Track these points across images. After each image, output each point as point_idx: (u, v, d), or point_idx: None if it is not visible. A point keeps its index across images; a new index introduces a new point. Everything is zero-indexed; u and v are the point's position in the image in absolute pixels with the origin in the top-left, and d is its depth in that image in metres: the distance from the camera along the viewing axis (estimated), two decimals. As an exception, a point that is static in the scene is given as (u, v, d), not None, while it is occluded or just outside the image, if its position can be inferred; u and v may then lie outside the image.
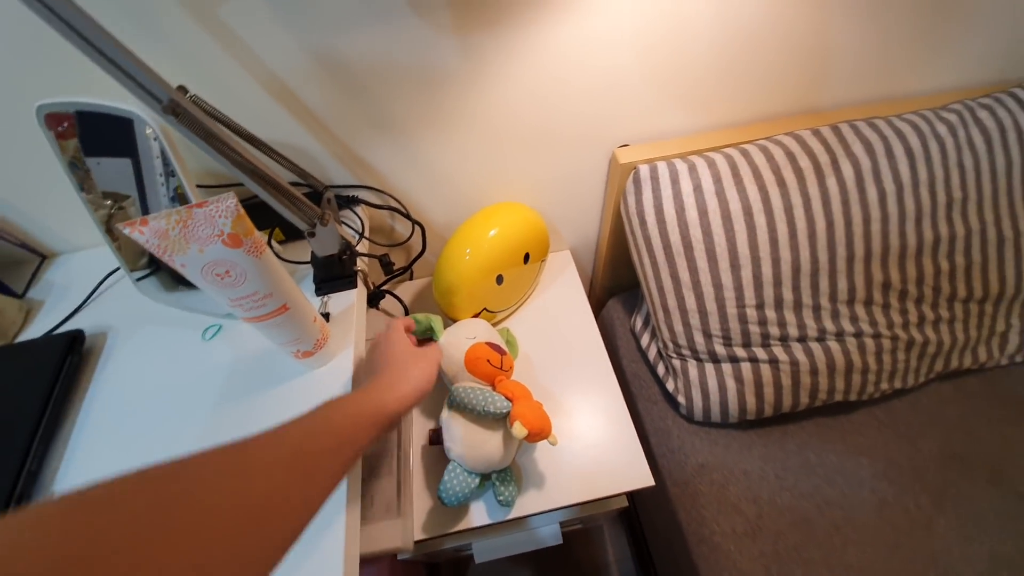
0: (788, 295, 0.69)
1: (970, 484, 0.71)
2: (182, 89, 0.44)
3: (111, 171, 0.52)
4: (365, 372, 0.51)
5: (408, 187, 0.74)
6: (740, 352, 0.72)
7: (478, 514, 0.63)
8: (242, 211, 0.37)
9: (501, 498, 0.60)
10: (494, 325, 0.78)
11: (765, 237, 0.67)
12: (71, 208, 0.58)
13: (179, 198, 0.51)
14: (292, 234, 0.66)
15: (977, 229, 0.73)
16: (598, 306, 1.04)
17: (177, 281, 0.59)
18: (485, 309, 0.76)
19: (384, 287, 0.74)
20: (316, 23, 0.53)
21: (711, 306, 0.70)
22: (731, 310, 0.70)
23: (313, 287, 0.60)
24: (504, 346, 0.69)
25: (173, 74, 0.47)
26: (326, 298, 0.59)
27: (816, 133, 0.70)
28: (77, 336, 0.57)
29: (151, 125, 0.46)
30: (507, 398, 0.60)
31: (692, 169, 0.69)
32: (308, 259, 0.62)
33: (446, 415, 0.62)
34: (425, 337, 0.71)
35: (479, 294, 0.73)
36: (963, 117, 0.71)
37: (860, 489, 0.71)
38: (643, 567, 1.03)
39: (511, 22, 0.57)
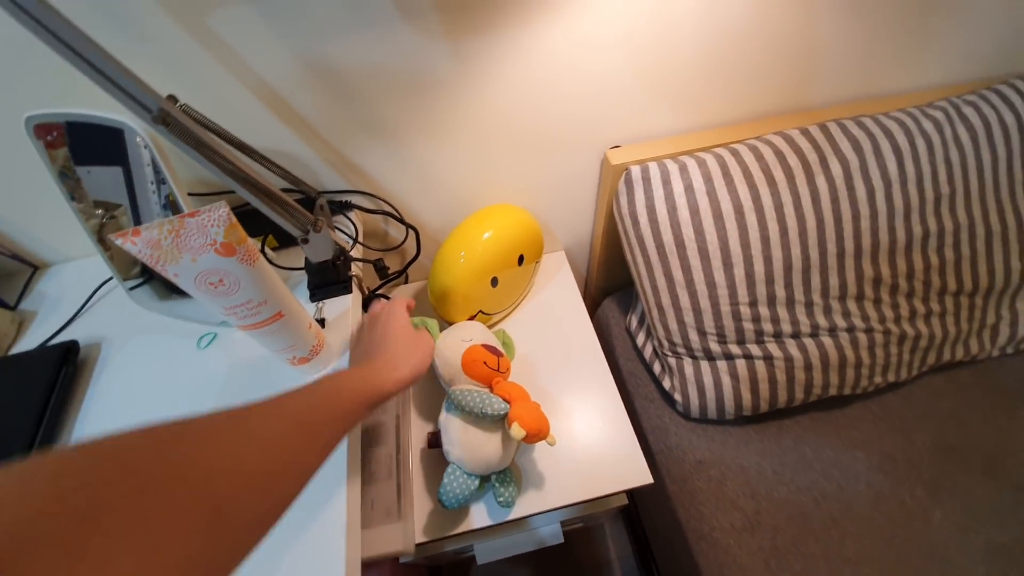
0: (781, 292, 0.70)
1: (965, 475, 0.72)
2: (172, 98, 0.44)
3: (102, 180, 0.52)
4: (364, 345, 0.49)
5: (401, 191, 0.74)
6: (735, 349, 0.73)
7: (479, 516, 0.63)
8: (234, 220, 0.37)
9: (501, 499, 0.60)
10: (490, 327, 0.78)
11: (756, 235, 0.68)
12: (62, 218, 0.58)
13: (171, 205, 0.51)
14: (286, 240, 0.66)
15: (965, 224, 0.74)
16: (593, 306, 1.04)
17: (171, 290, 0.58)
18: (481, 311, 0.76)
19: (379, 291, 0.74)
20: (306, 30, 0.53)
21: (705, 304, 0.71)
22: (725, 308, 0.71)
23: (308, 293, 0.60)
24: (500, 348, 0.69)
25: (163, 83, 0.47)
26: (321, 304, 0.59)
27: (805, 132, 0.71)
28: (71, 347, 0.57)
29: (141, 135, 0.46)
30: (505, 399, 0.60)
31: (683, 169, 0.69)
32: (302, 265, 0.62)
33: (444, 418, 0.62)
34: (421, 341, 0.71)
35: (474, 297, 0.73)
36: (949, 114, 0.72)
37: (856, 482, 0.72)
38: (644, 564, 1.04)
39: (501, 26, 0.57)
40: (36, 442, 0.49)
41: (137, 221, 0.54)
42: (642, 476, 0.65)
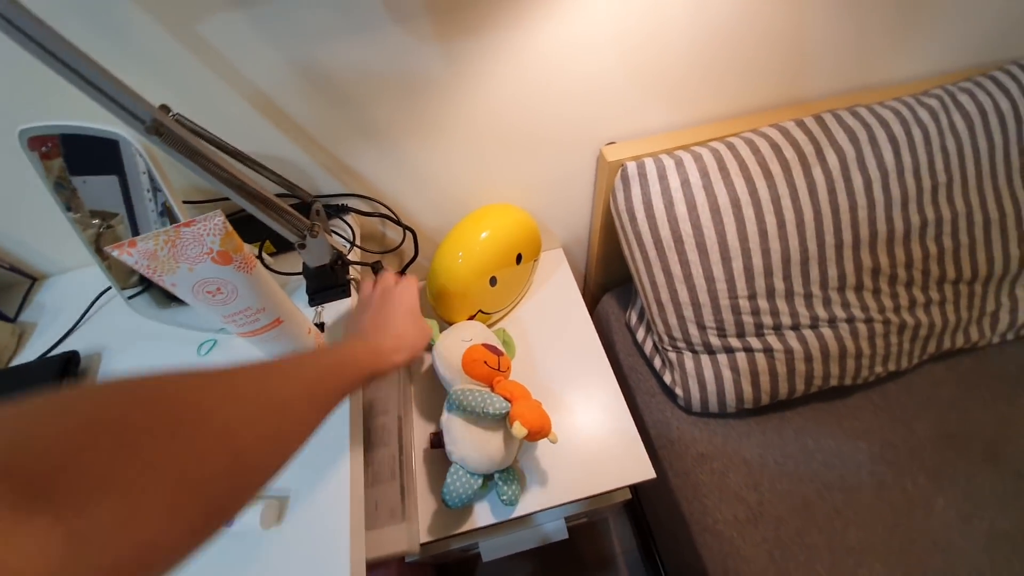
0: (779, 284, 0.70)
1: (967, 463, 0.72)
2: (164, 108, 0.44)
3: (98, 189, 0.52)
4: (373, 313, 0.49)
5: (397, 193, 0.74)
6: (735, 342, 0.73)
7: (483, 514, 0.63)
8: (230, 228, 0.37)
9: (504, 497, 0.60)
10: (490, 326, 0.78)
11: (754, 229, 0.68)
12: (59, 229, 0.58)
13: (167, 213, 0.51)
14: (283, 246, 0.66)
15: (963, 212, 0.74)
16: (593, 302, 1.04)
17: (170, 298, 0.59)
18: (480, 311, 0.76)
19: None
20: (297, 36, 0.53)
21: (704, 298, 0.71)
22: (724, 301, 0.71)
23: (307, 298, 0.60)
24: (501, 347, 0.69)
25: (155, 93, 0.47)
26: (320, 308, 0.60)
27: (800, 124, 0.70)
28: (72, 357, 0.57)
29: (135, 145, 0.46)
30: (506, 398, 0.60)
31: (679, 164, 0.69)
32: (300, 270, 0.62)
33: (446, 418, 0.62)
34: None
35: (473, 296, 0.73)
36: (944, 102, 0.72)
37: (858, 472, 0.72)
38: (649, 558, 1.04)
39: (491, 27, 0.57)
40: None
41: (134, 230, 0.54)
42: (645, 471, 0.65)
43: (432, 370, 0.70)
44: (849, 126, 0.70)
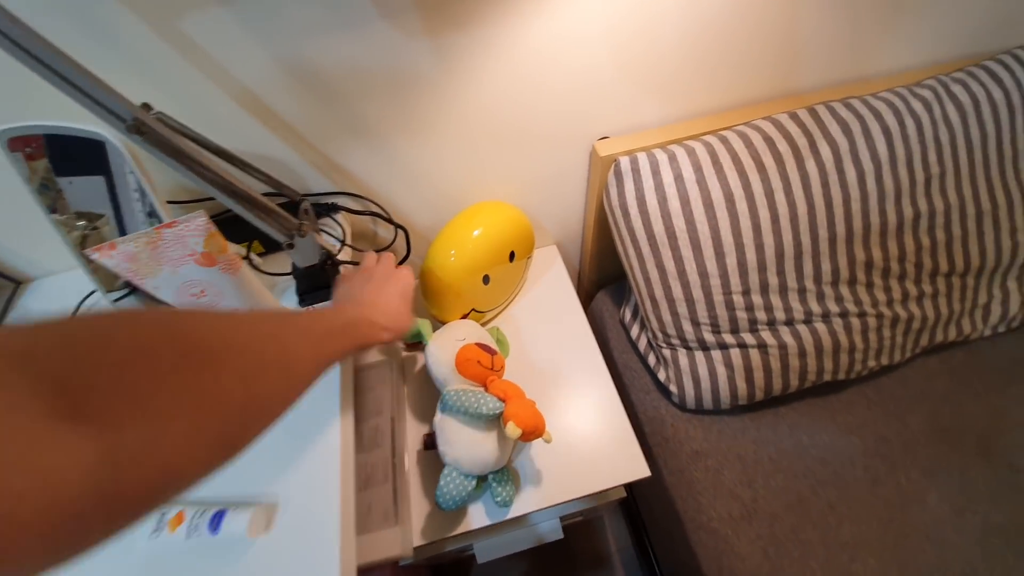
0: (773, 279, 0.70)
1: (960, 456, 0.72)
2: (146, 107, 0.43)
3: (84, 190, 0.51)
4: (376, 287, 0.51)
5: (389, 191, 0.73)
6: (729, 338, 0.73)
7: (477, 516, 0.63)
8: (213, 229, 0.36)
9: (499, 499, 0.60)
10: (483, 325, 0.78)
11: (748, 223, 0.67)
12: (43, 231, 0.57)
13: (156, 213, 0.50)
14: (272, 246, 0.65)
15: (956, 204, 0.74)
16: (587, 299, 1.04)
17: (156, 301, 0.58)
18: (473, 310, 0.75)
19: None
20: (283, 32, 0.52)
21: (698, 294, 0.71)
22: (718, 297, 0.70)
23: (297, 298, 0.59)
24: (494, 346, 0.69)
25: (138, 91, 0.46)
26: (310, 308, 0.59)
27: (793, 116, 0.70)
28: (57, 362, 0.56)
29: (116, 144, 0.45)
30: (499, 398, 0.60)
31: (672, 159, 0.68)
32: (290, 271, 0.61)
33: (439, 419, 0.62)
34: (414, 341, 0.70)
35: (466, 295, 0.73)
36: (937, 93, 0.72)
37: (852, 467, 0.72)
38: (644, 555, 1.04)
39: (480, 22, 0.56)
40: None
41: (121, 230, 0.53)
42: (640, 469, 0.65)
43: (425, 370, 0.69)
44: (842, 118, 0.69)
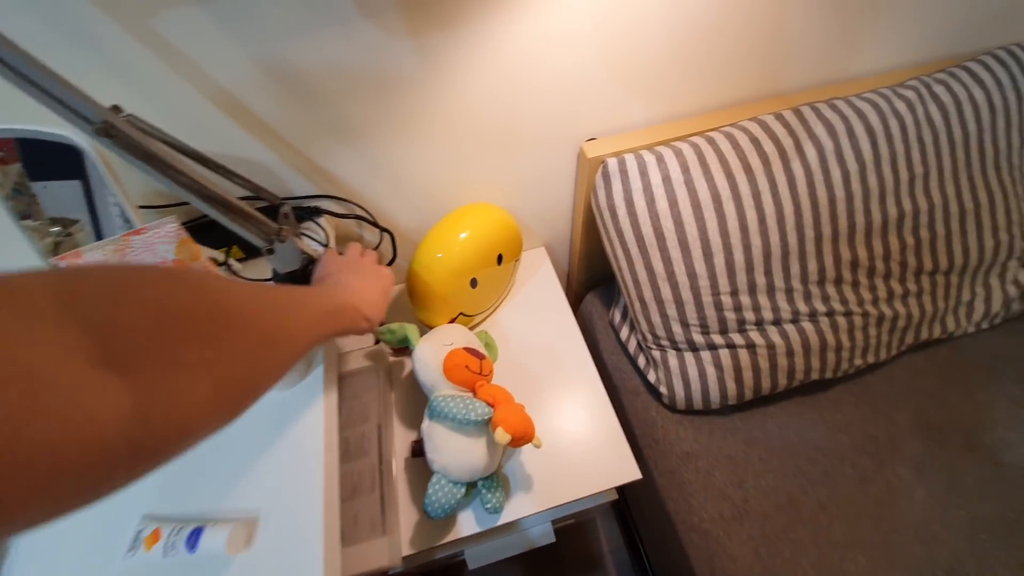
0: (761, 280, 0.70)
1: (946, 452, 0.73)
2: (116, 109, 0.41)
3: (59, 195, 0.49)
4: (358, 281, 0.51)
5: (373, 194, 0.72)
6: (718, 339, 0.72)
7: (467, 523, 0.62)
8: (185, 235, 0.35)
9: (489, 506, 0.59)
10: (472, 328, 0.77)
11: (735, 224, 0.67)
12: (14, 237, 0.55)
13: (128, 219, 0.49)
14: (252, 251, 0.64)
15: (939, 203, 0.74)
16: (576, 301, 1.03)
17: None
18: (461, 314, 0.74)
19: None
20: (261, 31, 0.51)
21: (686, 295, 0.70)
22: (706, 298, 0.70)
23: (278, 305, 0.57)
24: (483, 350, 0.68)
25: (110, 93, 0.45)
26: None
27: (779, 117, 0.70)
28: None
29: (84, 148, 0.43)
30: (488, 403, 0.59)
31: (660, 160, 0.68)
32: (271, 276, 0.59)
33: (427, 425, 0.61)
34: (401, 346, 0.69)
35: (453, 299, 0.72)
36: (920, 93, 0.72)
37: (841, 465, 0.72)
38: (637, 557, 1.04)
39: (465, 21, 0.55)
40: None
41: (98, 236, 0.51)
42: (631, 472, 0.65)
43: (413, 376, 0.68)
44: (827, 119, 0.70)
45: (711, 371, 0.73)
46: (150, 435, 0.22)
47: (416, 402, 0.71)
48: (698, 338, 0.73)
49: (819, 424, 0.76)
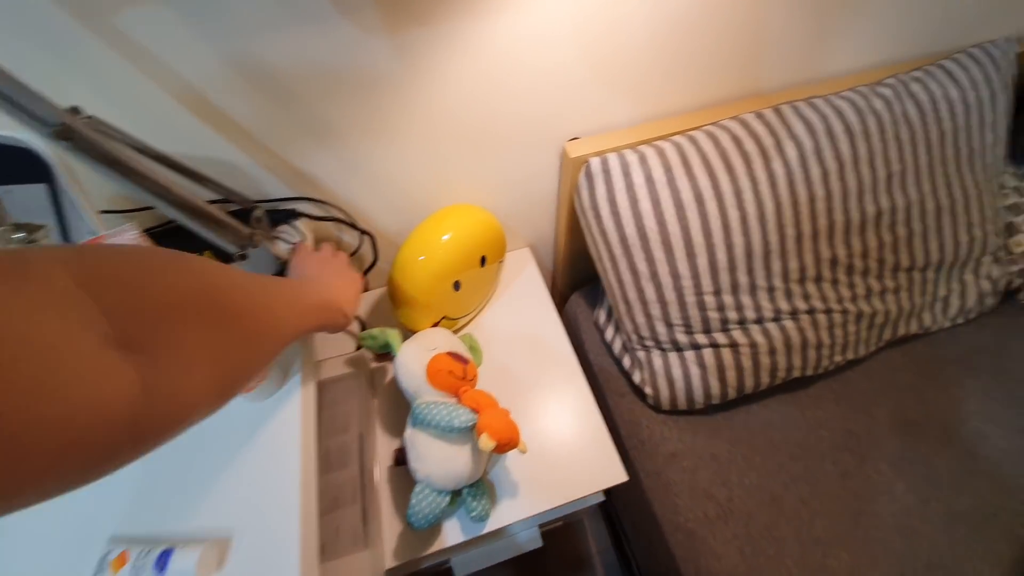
0: (743, 279, 0.70)
1: (924, 446, 0.74)
2: (75, 110, 0.39)
3: (24, 199, 0.47)
4: (336, 281, 0.52)
5: (353, 196, 0.70)
6: (701, 339, 0.73)
7: (452, 532, 0.61)
8: (146, 242, 0.33)
9: (474, 514, 0.58)
10: (456, 332, 0.76)
11: (718, 223, 0.67)
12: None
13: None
14: (226, 256, 0.61)
15: (916, 200, 0.75)
16: (561, 301, 1.03)
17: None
18: (445, 317, 0.73)
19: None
20: (232, 29, 0.49)
21: (670, 296, 0.70)
22: (689, 298, 0.70)
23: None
24: (467, 353, 0.67)
25: (71, 95, 0.43)
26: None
27: (759, 116, 0.70)
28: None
29: (40, 151, 0.41)
30: (472, 409, 0.58)
31: (643, 160, 0.68)
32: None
33: (410, 433, 0.59)
34: (383, 352, 0.68)
35: (436, 302, 0.70)
36: (897, 91, 0.73)
37: (823, 462, 0.73)
38: (625, 557, 1.04)
39: (443, 19, 0.54)
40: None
41: (66, 240, 0.49)
42: (617, 474, 0.64)
43: (395, 382, 0.67)
44: (806, 117, 0.70)
45: (695, 371, 0.73)
46: (153, 416, 0.22)
47: (399, 409, 0.70)
48: (682, 338, 0.73)
49: (801, 421, 0.77)
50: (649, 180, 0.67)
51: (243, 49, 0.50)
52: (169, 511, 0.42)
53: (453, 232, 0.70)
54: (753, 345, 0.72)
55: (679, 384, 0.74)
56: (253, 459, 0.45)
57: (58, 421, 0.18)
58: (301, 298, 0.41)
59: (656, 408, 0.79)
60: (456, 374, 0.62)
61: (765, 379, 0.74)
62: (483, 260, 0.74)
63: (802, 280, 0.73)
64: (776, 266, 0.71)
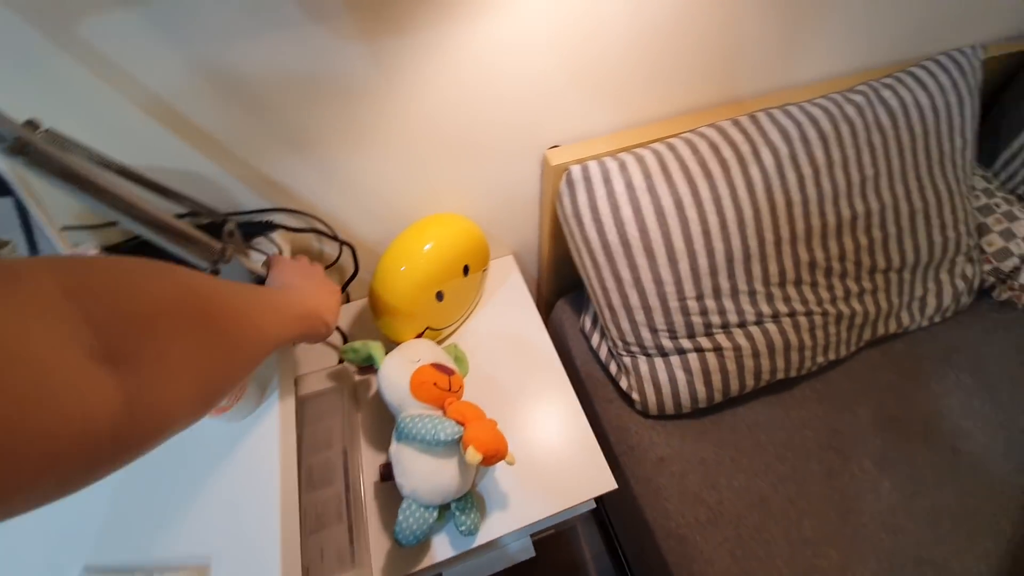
0: (725, 283, 0.70)
1: (907, 443, 0.75)
2: (31, 124, 0.37)
3: (-10, 215, 0.45)
4: (317, 292, 0.51)
5: (331, 206, 0.69)
6: (686, 343, 0.73)
7: (441, 548, 0.59)
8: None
9: (463, 528, 0.57)
10: (440, 342, 0.75)
11: (698, 229, 0.68)
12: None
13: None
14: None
15: (890, 203, 0.77)
16: (547, 309, 1.02)
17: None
18: (428, 328, 0.72)
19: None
20: (200, 37, 0.47)
21: (654, 302, 0.70)
22: (673, 303, 0.70)
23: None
24: (452, 364, 0.66)
25: (31, 107, 0.41)
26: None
27: (736, 123, 0.71)
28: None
29: (-2, 167, 0.39)
30: (458, 422, 0.57)
31: (623, 167, 0.68)
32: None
33: (395, 448, 0.58)
34: (366, 365, 0.66)
35: (419, 313, 0.69)
36: (869, 98, 0.75)
37: (808, 461, 0.73)
38: (619, 562, 1.04)
39: (419, 26, 0.53)
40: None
41: (34, 255, 0.47)
42: (606, 482, 0.64)
43: (379, 396, 0.65)
44: (781, 124, 0.71)
45: (681, 375, 0.73)
46: (135, 429, 0.22)
47: (385, 423, 0.68)
48: (667, 343, 0.73)
49: (786, 422, 0.78)
50: (630, 187, 0.67)
51: (213, 57, 0.49)
52: (144, 537, 0.40)
53: (435, 242, 0.69)
54: (737, 348, 0.72)
55: (665, 389, 0.74)
56: (231, 481, 0.44)
57: (43, 433, 0.18)
58: (283, 307, 0.41)
59: (644, 413, 0.78)
60: (441, 386, 0.60)
61: (750, 381, 0.75)
62: (466, 269, 0.73)
63: (782, 283, 0.73)
64: (756, 270, 0.71)
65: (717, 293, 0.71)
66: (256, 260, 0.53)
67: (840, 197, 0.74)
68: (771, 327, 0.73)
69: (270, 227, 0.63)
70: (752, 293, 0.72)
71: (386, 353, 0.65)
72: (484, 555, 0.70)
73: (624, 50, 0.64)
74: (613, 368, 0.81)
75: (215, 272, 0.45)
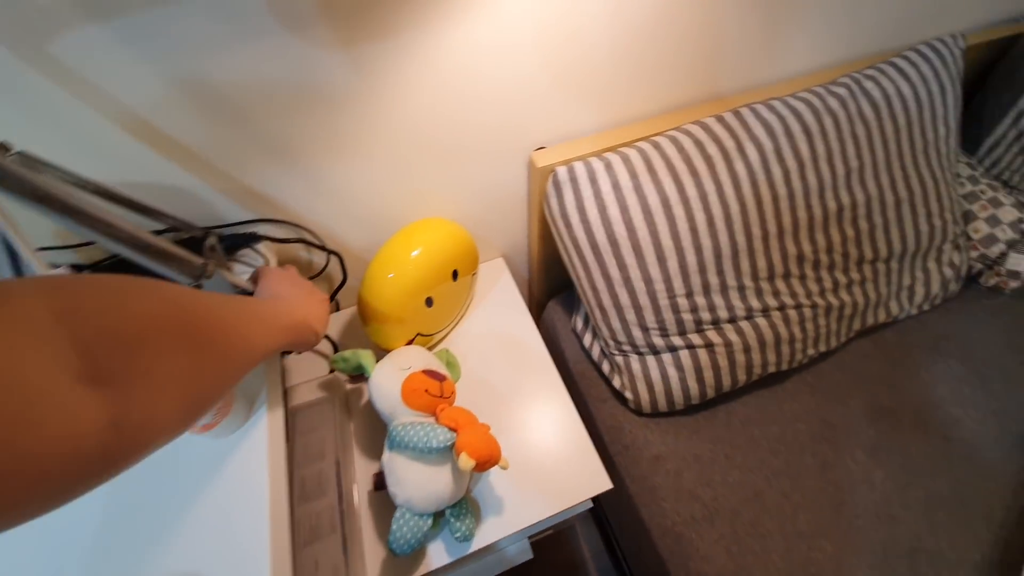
0: (714, 280, 0.70)
1: (899, 433, 0.76)
2: (2, 147, 0.37)
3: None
4: (306, 301, 0.51)
5: (317, 215, 0.69)
6: (677, 341, 0.73)
7: (437, 555, 0.59)
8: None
9: (458, 534, 0.57)
10: (431, 348, 0.74)
11: (685, 227, 0.68)
12: None
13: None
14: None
15: (875, 194, 0.77)
16: (538, 310, 1.02)
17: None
18: (419, 334, 0.72)
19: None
20: (174, 50, 0.47)
21: (644, 300, 0.70)
22: (663, 301, 0.70)
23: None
24: (444, 370, 0.65)
25: (2, 130, 0.40)
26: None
27: (720, 119, 0.71)
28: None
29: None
30: (451, 428, 0.57)
31: (609, 167, 0.68)
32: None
33: (387, 457, 0.58)
34: (357, 374, 0.66)
35: (409, 319, 0.69)
36: (852, 90, 0.75)
37: (802, 455, 0.74)
38: (617, 561, 1.04)
39: (397, 31, 0.53)
40: None
41: (19, 274, 0.46)
42: (602, 483, 0.64)
43: (370, 404, 0.65)
44: (765, 119, 0.71)
45: (673, 373, 0.73)
46: (122, 446, 0.23)
47: (378, 431, 0.68)
48: (658, 341, 0.73)
49: (778, 415, 0.78)
50: (616, 187, 0.67)
51: (188, 69, 0.49)
52: (133, 556, 0.40)
53: (423, 247, 0.69)
54: (728, 344, 0.72)
55: (658, 387, 0.74)
56: (221, 497, 0.43)
57: (32, 455, 0.19)
58: (270, 318, 0.41)
59: (637, 412, 0.79)
60: (432, 392, 0.60)
61: (742, 376, 0.75)
62: (455, 274, 0.73)
63: (771, 277, 0.73)
64: (745, 265, 0.71)
65: (706, 290, 0.71)
66: (240, 273, 0.53)
67: (826, 189, 0.74)
68: (761, 321, 0.73)
69: (255, 239, 0.63)
70: (741, 288, 0.72)
71: (377, 361, 0.65)
72: (481, 560, 0.70)
73: (607, 50, 0.64)
74: (606, 367, 0.81)
75: (197, 287, 0.45)
